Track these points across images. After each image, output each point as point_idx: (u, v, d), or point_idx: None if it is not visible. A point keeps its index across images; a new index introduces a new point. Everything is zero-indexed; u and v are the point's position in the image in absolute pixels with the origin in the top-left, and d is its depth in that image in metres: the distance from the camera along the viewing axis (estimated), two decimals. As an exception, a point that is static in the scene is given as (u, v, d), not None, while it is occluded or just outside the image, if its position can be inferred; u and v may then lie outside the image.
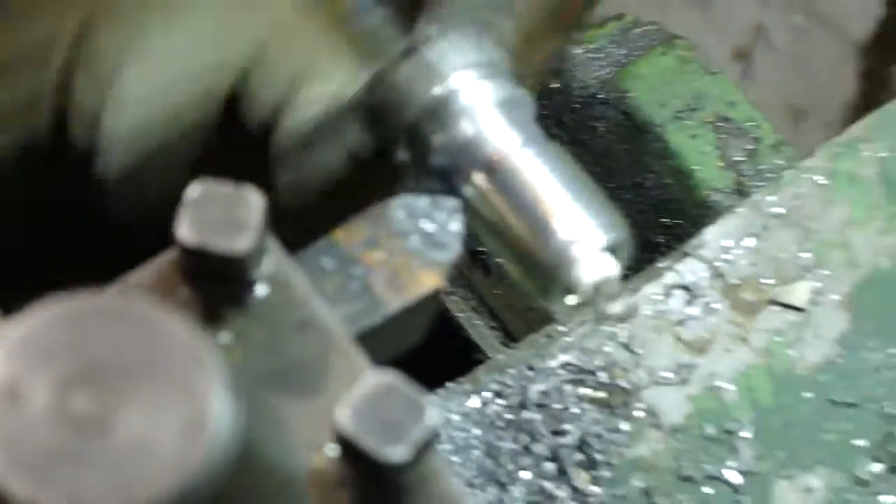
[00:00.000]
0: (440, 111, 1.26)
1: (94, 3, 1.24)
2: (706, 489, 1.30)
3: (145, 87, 1.29)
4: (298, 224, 1.12)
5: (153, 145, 1.32)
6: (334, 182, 1.36)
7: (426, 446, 0.96)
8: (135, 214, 1.32)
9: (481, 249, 1.30)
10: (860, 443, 1.31)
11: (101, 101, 1.28)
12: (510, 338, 1.58)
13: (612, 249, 1.23)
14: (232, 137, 1.33)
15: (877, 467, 1.30)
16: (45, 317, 0.82)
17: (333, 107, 1.32)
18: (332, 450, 0.98)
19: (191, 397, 0.81)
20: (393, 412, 0.96)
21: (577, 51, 1.68)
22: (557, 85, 1.65)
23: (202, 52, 1.29)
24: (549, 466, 1.30)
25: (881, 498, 1.29)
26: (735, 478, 1.30)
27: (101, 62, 1.27)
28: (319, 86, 1.31)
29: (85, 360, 0.81)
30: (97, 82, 1.28)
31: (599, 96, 1.66)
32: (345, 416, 0.94)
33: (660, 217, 1.61)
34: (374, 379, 0.96)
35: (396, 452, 0.95)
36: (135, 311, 0.82)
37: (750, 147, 1.67)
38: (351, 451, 0.96)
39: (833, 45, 2.73)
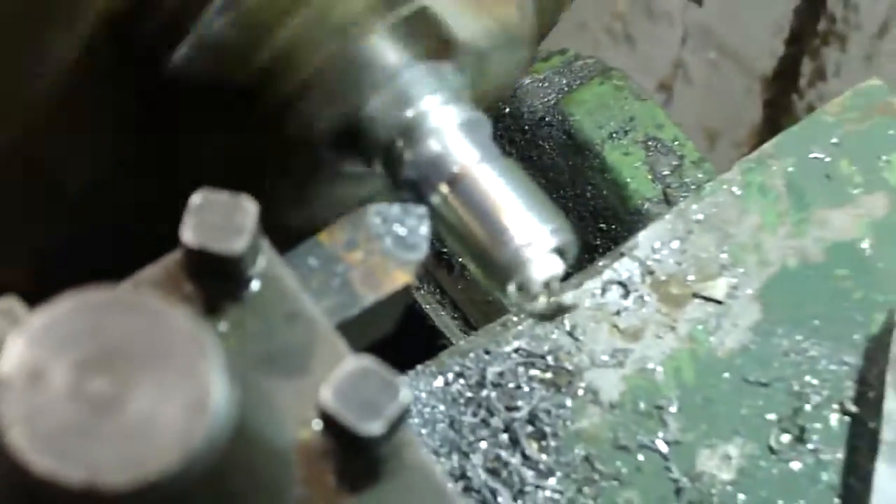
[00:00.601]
0: (411, 131, 1.26)
1: None
2: (639, 457, 1.30)
3: None
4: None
5: None
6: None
7: (399, 421, 0.96)
8: None
9: (445, 250, 1.30)
10: (771, 416, 1.31)
11: None
12: (470, 326, 1.58)
13: (559, 251, 1.22)
14: None
15: (786, 438, 1.30)
16: (65, 307, 0.81)
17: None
18: (317, 424, 0.98)
19: (193, 380, 0.80)
20: (370, 392, 0.96)
21: (526, 80, 1.68)
22: (509, 109, 1.65)
23: None
24: (504, 437, 1.30)
25: (790, 465, 1.28)
26: (663, 447, 1.30)
27: None
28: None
29: (100, 346, 0.80)
30: None
31: (546, 119, 1.65)
32: (327, 395, 0.94)
33: (598, 223, 1.61)
34: (353, 363, 0.96)
35: (373, 427, 0.95)
36: (144, 304, 0.81)
37: (675, 163, 1.67)
38: (333, 425, 0.96)
39: (741, 78, 2.73)
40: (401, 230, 1.16)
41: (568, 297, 1.24)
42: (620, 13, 2.78)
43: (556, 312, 1.23)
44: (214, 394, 0.80)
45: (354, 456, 0.98)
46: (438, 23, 1.30)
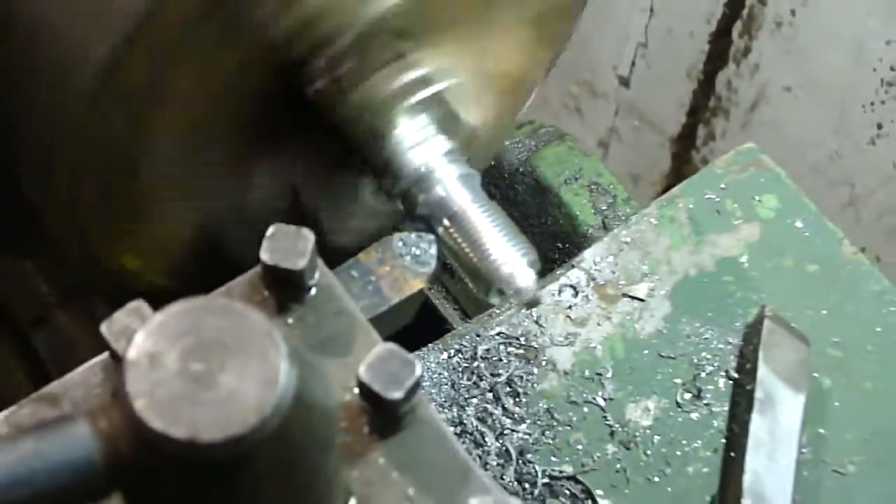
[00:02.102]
0: (423, 181, 1.25)
1: None
2: (584, 409, 1.28)
3: None
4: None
5: None
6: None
7: (414, 389, 0.95)
8: None
9: (448, 262, 1.29)
10: (677, 381, 1.30)
11: None
12: (466, 316, 1.57)
13: (528, 265, 1.21)
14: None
15: (687, 395, 1.29)
16: (176, 310, 0.80)
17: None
18: (356, 391, 0.96)
19: (266, 364, 0.79)
20: (393, 368, 0.95)
21: (507, 143, 1.66)
22: (494, 162, 1.64)
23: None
24: (489, 395, 1.29)
25: (691, 415, 1.27)
26: (602, 402, 1.29)
27: None
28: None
29: (200, 338, 0.79)
30: None
31: (519, 169, 1.65)
32: (363, 370, 0.94)
33: (556, 243, 1.61)
34: (382, 347, 0.96)
35: (395, 393, 0.95)
36: (232, 307, 0.80)
37: (610, 201, 1.65)
38: (367, 392, 0.95)
39: (656, 139, 2.71)
40: (416, 251, 1.16)
41: (531, 297, 1.23)
42: (573, 93, 2.77)
43: (527, 307, 1.22)
44: (281, 374, 0.78)
45: (382, 413, 0.97)
46: (451, 108, 1.30)
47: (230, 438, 0.75)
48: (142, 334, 0.78)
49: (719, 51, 2.44)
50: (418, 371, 0.94)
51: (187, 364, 0.77)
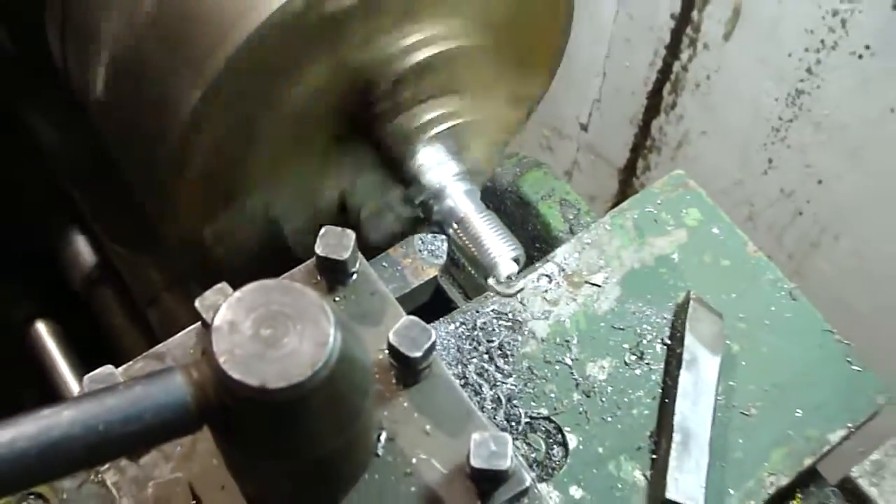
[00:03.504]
0: (438, 195, 1.24)
1: None
2: (556, 367, 1.24)
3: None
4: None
5: None
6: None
7: (430, 350, 0.93)
8: None
9: (456, 257, 1.27)
10: (625, 346, 1.26)
11: None
12: (468, 297, 1.54)
13: (515, 260, 1.19)
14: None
15: (633, 357, 1.25)
16: (251, 288, 0.78)
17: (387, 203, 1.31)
18: (386, 352, 0.93)
19: (318, 330, 0.77)
20: (414, 334, 0.93)
21: (498, 169, 1.64)
22: (488, 184, 1.62)
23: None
24: (485, 356, 1.25)
25: (635, 371, 1.24)
26: (569, 362, 1.25)
27: None
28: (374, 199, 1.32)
29: (268, 310, 0.77)
30: None
31: (508, 189, 1.64)
32: (392, 335, 0.93)
33: (535, 244, 1.59)
34: (406, 318, 0.95)
35: (416, 353, 0.92)
36: (293, 287, 0.78)
37: (575, 212, 1.64)
38: (395, 353, 0.92)
39: (607, 169, 2.70)
40: (431, 247, 1.15)
41: (519, 285, 1.20)
42: (546, 135, 2.76)
43: (513, 292, 1.20)
44: (330, 337, 0.76)
45: (405, 369, 0.96)
46: (460, 140, 1.28)
47: (291, 386, 0.74)
48: (224, 307, 0.76)
49: (654, 105, 2.43)
50: (433, 337, 0.93)
51: (258, 330, 0.75)
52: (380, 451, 0.93)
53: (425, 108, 1.24)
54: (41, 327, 1.98)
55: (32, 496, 1.29)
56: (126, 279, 1.70)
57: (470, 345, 1.26)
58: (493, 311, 1.28)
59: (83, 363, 1.90)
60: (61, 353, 1.96)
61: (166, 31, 1.11)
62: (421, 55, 1.21)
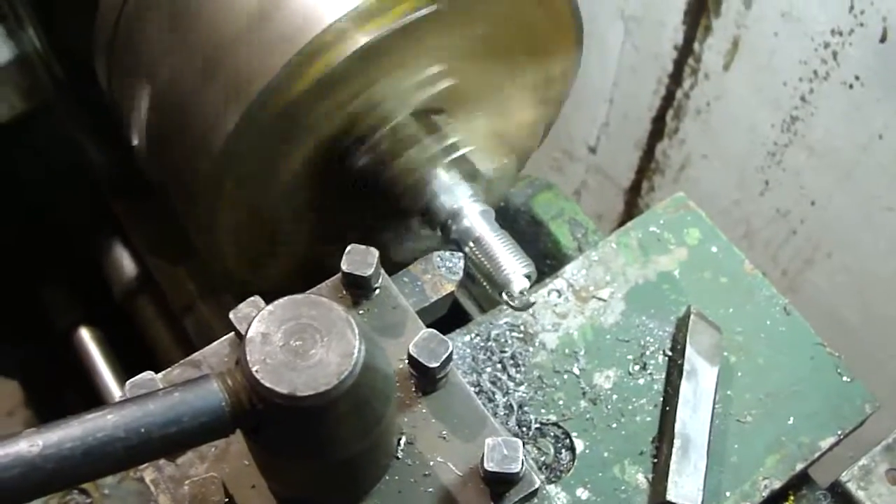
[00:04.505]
0: (455, 216, 1.23)
1: None
2: (564, 376, 1.24)
3: None
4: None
5: None
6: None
7: (447, 361, 0.92)
8: None
9: (472, 273, 1.27)
10: (630, 357, 1.26)
11: None
12: (483, 310, 1.53)
13: (527, 276, 1.18)
14: None
15: (636, 367, 1.25)
16: (282, 302, 0.78)
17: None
18: (406, 362, 0.94)
19: (344, 341, 0.77)
20: (433, 346, 0.92)
21: (511, 190, 1.64)
22: (504, 204, 1.62)
23: None
24: (499, 365, 1.25)
25: (639, 381, 1.24)
26: (577, 371, 1.25)
27: None
28: None
29: (298, 323, 0.77)
30: None
31: (521, 209, 1.64)
32: (412, 347, 0.93)
33: (546, 260, 1.59)
34: (425, 331, 0.94)
35: (434, 363, 0.91)
36: (321, 301, 0.78)
37: (583, 231, 1.64)
38: (415, 363, 0.92)
39: (614, 190, 2.70)
40: (449, 264, 1.14)
41: (531, 300, 1.20)
42: (556, 158, 2.76)
43: (525, 306, 1.19)
44: (355, 349, 0.76)
45: (424, 378, 0.95)
46: (472, 164, 1.28)
47: (318, 394, 0.74)
48: (257, 320, 0.77)
49: (658, 130, 2.42)
50: (450, 348, 0.92)
51: (289, 341, 0.76)
52: (400, 454, 0.93)
53: (431, 141, 1.24)
54: (84, 333, 2.00)
55: (76, 491, 1.30)
56: (164, 288, 1.70)
57: (484, 355, 1.26)
58: (506, 323, 1.28)
59: (123, 367, 1.91)
60: (103, 357, 1.97)
61: (203, 61, 1.12)
62: (419, 97, 1.21)
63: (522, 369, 1.25)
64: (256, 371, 0.73)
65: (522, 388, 1.23)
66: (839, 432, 1.22)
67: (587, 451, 1.19)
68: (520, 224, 1.63)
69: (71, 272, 1.93)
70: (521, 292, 1.18)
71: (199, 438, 0.75)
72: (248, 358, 0.74)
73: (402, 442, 0.93)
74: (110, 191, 1.75)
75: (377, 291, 1.00)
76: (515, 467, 0.88)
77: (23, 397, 2.36)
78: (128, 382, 0.88)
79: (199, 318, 1.64)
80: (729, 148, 2.24)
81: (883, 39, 1.71)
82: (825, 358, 1.27)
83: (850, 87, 1.84)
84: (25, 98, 1.68)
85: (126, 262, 1.79)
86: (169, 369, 0.97)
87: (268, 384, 0.73)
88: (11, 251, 1.82)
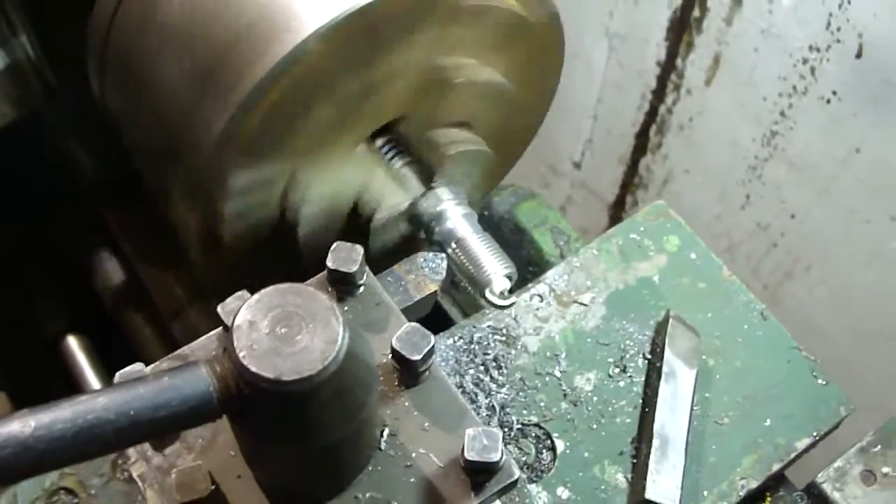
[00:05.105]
0: (439, 217, 1.25)
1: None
2: (546, 378, 1.26)
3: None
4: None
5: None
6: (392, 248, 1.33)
7: (429, 354, 0.94)
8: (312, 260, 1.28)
9: (456, 279, 1.28)
10: (610, 359, 1.27)
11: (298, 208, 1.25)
12: (465, 314, 1.54)
13: (508, 277, 1.21)
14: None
15: (616, 370, 1.27)
16: (268, 292, 0.80)
17: (394, 215, 1.29)
18: (389, 356, 0.95)
19: (329, 329, 0.78)
20: (415, 339, 0.93)
21: (495, 198, 1.66)
22: (487, 213, 1.64)
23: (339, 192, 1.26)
24: (481, 368, 1.26)
25: (619, 383, 1.26)
26: (558, 374, 1.26)
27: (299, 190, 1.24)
28: (386, 208, 1.28)
29: (284, 311, 0.79)
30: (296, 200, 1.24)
31: (504, 217, 1.65)
32: (395, 340, 0.94)
33: (528, 267, 1.61)
34: (408, 325, 0.95)
35: (416, 356, 0.93)
36: (306, 290, 0.80)
37: (566, 239, 1.65)
38: (398, 356, 0.94)
39: (597, 203, 2.72)
40: (432, 264, 1.15)
41: (512, 299, 1.22)
42: (541, 173, 2.78)
43: (506, 307, 1.21)
44: (339, 336, 0.78)
45: (407, 371, 0.97)
46: (456, 170, 1.29)
47: (303, 378, 0.76)
48: (244, 308, 0.79)
49: (641, 145, 2.45)
50: (433, 341, 0.94)
51: (275, 328, 0.77)
52: (383, 446, 0.94)
53: (447, 133, 1.27)
54: (72, 341, 2.00)
55: (63, 491, 1.31)
56: (152, 295, 1.72)
57: (467, 357, 1.27)
58: (488, 326, 1.29)
59: (111, 375, 1.91)
60: (91, 366, 1.97)
61: (194, 61, 1.14)
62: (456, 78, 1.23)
63: (505, 371, 1.26)
64: (243, 357, 0.75)
65: (504, 389, 1.25)
66: (815, 434, 1.24)
67: (568, 452, 1.21)
68: (503, 231, 1.65)
69: (58, 280, 1.94)
70: (502, 293, 1.20)
71: (188, 422, 0.76)
72: (236, 344, 0.76)
73: (384, 434, 0.95)
74: (100, 198, 1.76)
75: (361, 289, 1.02)
76: (495, 456, 0.89)
77: (10, 407, 2.36)
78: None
79: (187, 324, 1.65)
80: (711, 162, 2.28)
81: (859, 55, 1.75)
82: (801, 361, 1.29)
83: (828, 101, 1.87)
84: (16, 106, 1.69)
85: (115, 269, 1.80)
86: (157, 363, 0.99)
87: (254, 369, 0.75)
88: (-1, 259, 1.82)
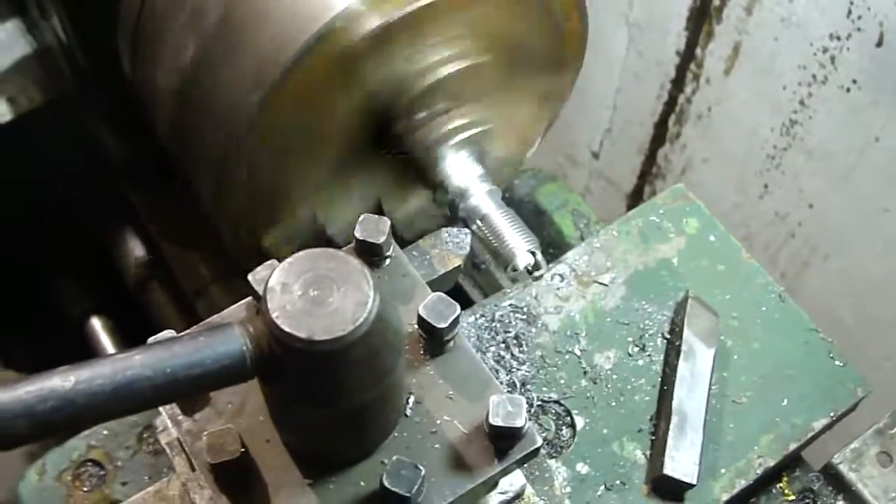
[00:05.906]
0: (463, 194, 1.27)
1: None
2: (566, 356, 1.28)
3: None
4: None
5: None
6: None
7: (455, 322, 0.95)
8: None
9: (477, 261, 1.30)
10: (630, 339, 1.29)
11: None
12: (485, 294, 1.56)
13: (531, 252, 1.22)
14: None
15: (636, 349, 1.28)
16: (301, 256, 0.82)
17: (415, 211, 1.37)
18: (415, 326, 0.97)
19: (360, 291, 0.80)
20: (441, 308, 0.95)
21: (516, 181, 1.67)
22: (509, 195, 1.66)
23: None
24: (502, 345, 1.28)
25: (638, 361, 1.28)
26: (578, 352, 1.28)
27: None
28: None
29: (316, 274, 0.81)
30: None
31: (525, 199, 1.66)
32: (421, 308, 0.96)
33: (549, 249, 1.61)
34: (434, 295, 0.97)
35: (442, 324, 0.94)
36: (338, 255, 0.82)
37: (585, 221, 1.66)
38: (424, 324, 0.96)
39: (616, 193, 2.73)
40: (456, 240, 1.17)
41: (541, 271, 1.24)
42: (560, 163, 2.79)
43: (538, 277, 1.23)
44: (369, 298, 0.80)
45: (432, 340, 0.98)
46: (482, 146, 1.31)
47: (334, 338, 0.78)
48: (277, 271, 0.81)
49: (660, 135, 2.46)
50: (458, 310, 0.95)
51: (307, 290, 0.79)
52: (408, 413, 0.96)
53: (444, 120, 1.27)
54: (96, 323, 2.03)
55: (90, 462, 1.34)
56: (176, 274, 1.74)
57: (489, 335, 1.29)
58: (510, 305, 1.31)
59: (134, 356, 1.93)
60: (115, 347, 2.00)
61: (229, 41, 1.16)
62: (433, 77, 1.24)
63: (525, 349, 1.28)
64: (276, 317, 0.77)
65: (525, 366, 1.26)
66: (831, 414, 1.25)
67: (587, 428, 1.23)
68: (524, 214, 1.64)
69: (83, 262, 1.96)
70: (526, 268, 1.21)
71: (221, 381, 0.78)
72: (269, 305, 0.78)
73: (410, 401, 0.96)
74: (126, 179, 1.79)
75: (388, 260, 1.04)
76: (519, 422, 0.91)
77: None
78: (149, 339, 0.92)
79: (212, 302, 1.67)
80: (729, 152, 2.28)
81: (879, 44, 1.76)
82: (818, 343, 1.30)
83: (848, 90, 1.88)
84: (45, 90, 1.71)
85: (138, 249, 1.82)
86: (188, 330, 1.01)
87: (287, 329, 0.76)
88: (24, 242, 1.84)
